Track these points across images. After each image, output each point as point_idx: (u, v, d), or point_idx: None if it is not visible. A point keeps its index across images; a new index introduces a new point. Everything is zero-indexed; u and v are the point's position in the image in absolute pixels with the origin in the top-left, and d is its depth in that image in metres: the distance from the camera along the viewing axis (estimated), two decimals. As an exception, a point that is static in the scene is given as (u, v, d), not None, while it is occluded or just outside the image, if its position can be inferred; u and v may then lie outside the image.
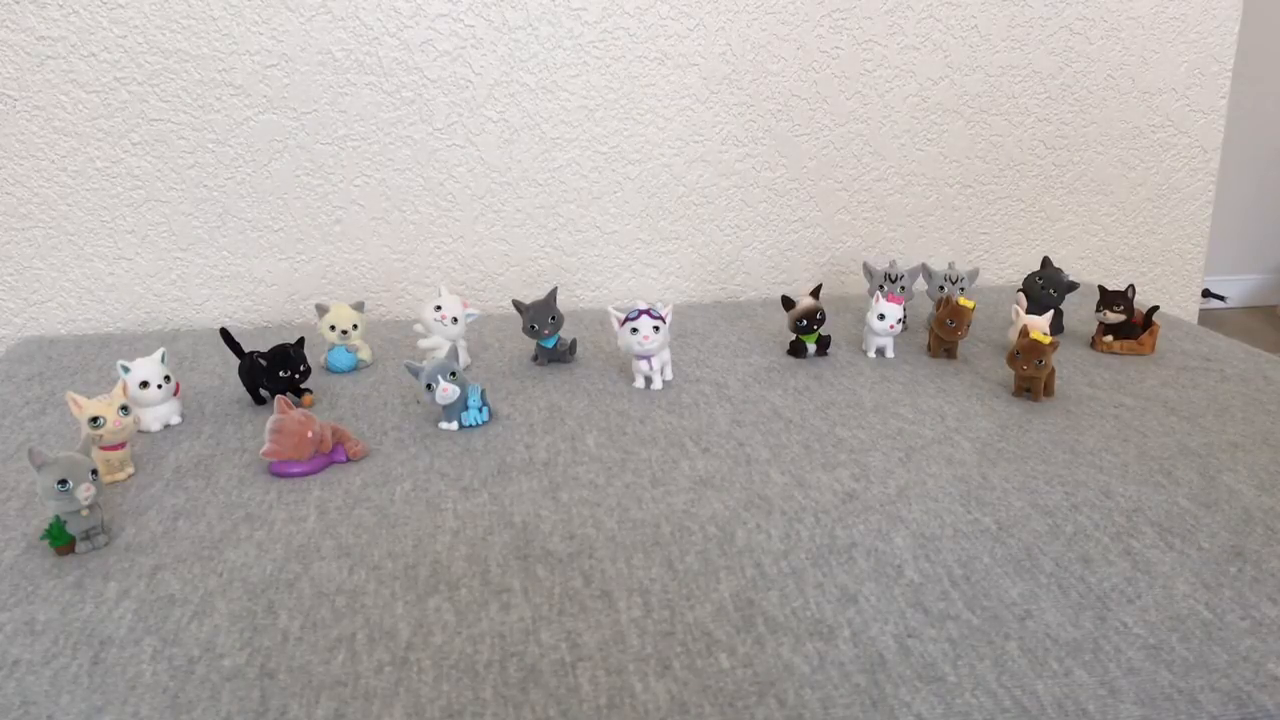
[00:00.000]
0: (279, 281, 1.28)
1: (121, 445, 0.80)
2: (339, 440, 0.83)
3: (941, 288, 1.17)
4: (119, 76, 1.15)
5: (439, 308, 1.01)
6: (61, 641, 0.58)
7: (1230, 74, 1.50)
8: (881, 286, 1.17)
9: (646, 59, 1.28)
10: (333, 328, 1.05)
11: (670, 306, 1.01)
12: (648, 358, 0.99)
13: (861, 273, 1.26)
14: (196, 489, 0.78)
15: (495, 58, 1.24)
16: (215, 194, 1.22)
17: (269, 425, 0.79)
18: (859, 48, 1.34)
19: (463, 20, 1.21)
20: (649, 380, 1.01)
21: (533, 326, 1.05)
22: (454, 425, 0.90)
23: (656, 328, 0.96)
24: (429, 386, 0.87)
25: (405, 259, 1.31)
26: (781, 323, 1.23)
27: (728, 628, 0.59)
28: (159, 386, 0.89)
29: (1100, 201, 1.53)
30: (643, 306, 0.97)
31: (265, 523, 0.72)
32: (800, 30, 1.31)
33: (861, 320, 1.16)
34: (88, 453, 0.68)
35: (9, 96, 1.13)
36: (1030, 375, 0.95)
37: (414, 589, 0.63)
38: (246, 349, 0.96)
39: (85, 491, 0.66)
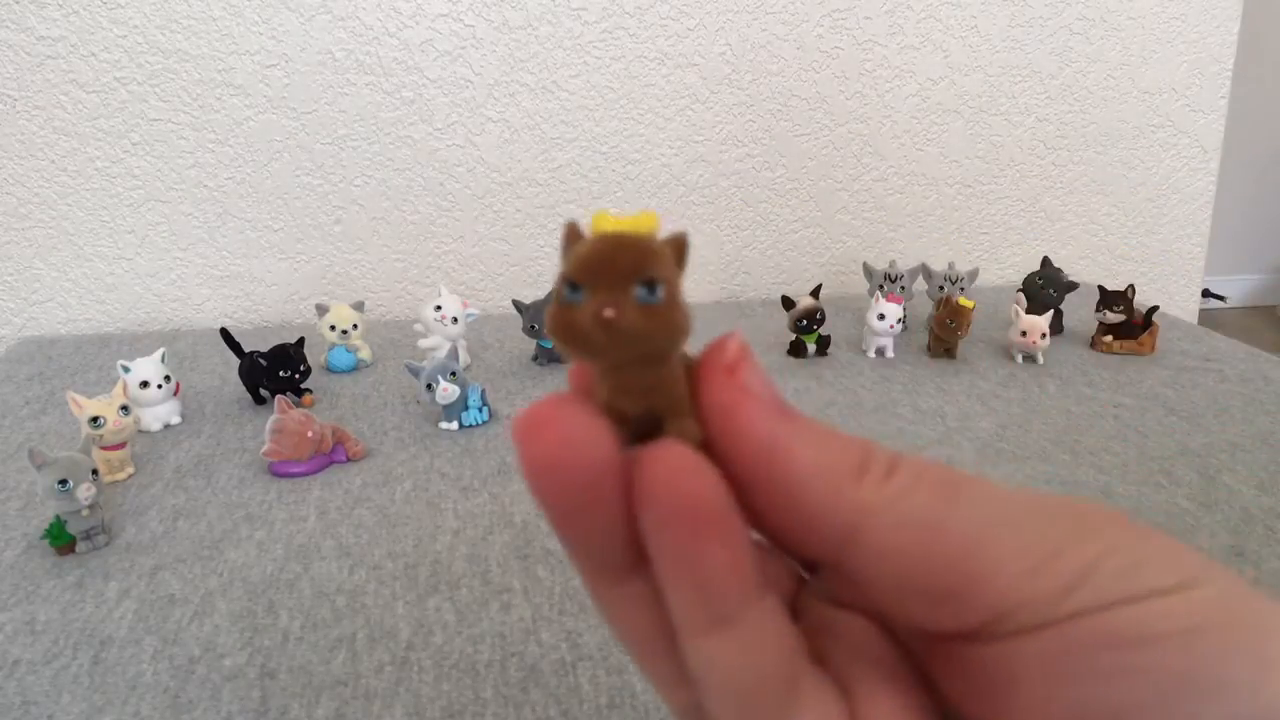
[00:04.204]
0: (279, 281, 1.28)
1: (121, 445, 0.80)
2: (339, 440, 0.83)
3: (941, 288, 1.17)
4: (119, 76, 1.15)
5: (439, 308, 1.01)
6: (62, 641, 0.58)
7: (1230, 74, 1.50)
8: (881, 286, 1.17)
9: (646, 59, 1.28)
10: (333, 328, 1.05)
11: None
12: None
13: (861, 273, 1.26)
14: (196, 489, 0.78)
15: (495, 58, 1.23)
16: (215, 194, 1.22)
17: (269, 425, 0.79)
18: (859, 48, 1.34)
19: (463, 20, 1.21)
20: (649, 380, 1.01)
21: (533, 326, 1.05)
22: (454, 425, 0.90)
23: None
24: (429, 386, 0.87)
25: (405, 259, 1.31)
26: (781, 323, 1.23)
27: (728, 627, 0.58)
28: (159, 386, 0.89)
29: (1100, 201, 1.53)
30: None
31: (265, 523, 0.72)
32: (800, 30, 1.31)
33: (861, 320, 1.16)
34: (88, 453, 0.68)
35: (9, 96, 1.13)
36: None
37: (414, 589, 0.63)
38: (246, 349, 0.96)
39: (85, 491, 0.66)
